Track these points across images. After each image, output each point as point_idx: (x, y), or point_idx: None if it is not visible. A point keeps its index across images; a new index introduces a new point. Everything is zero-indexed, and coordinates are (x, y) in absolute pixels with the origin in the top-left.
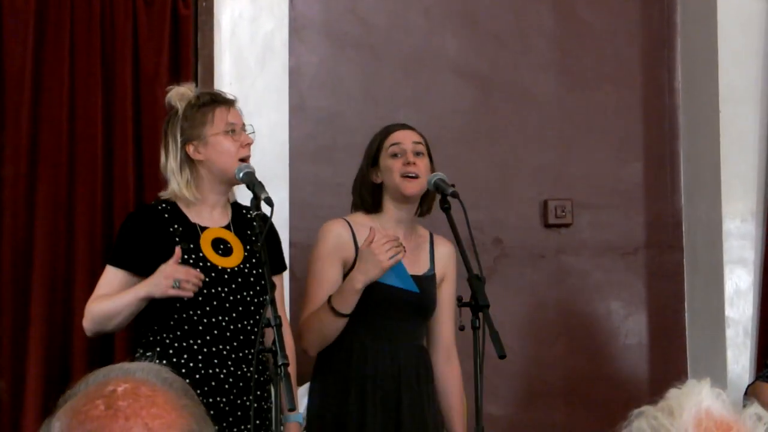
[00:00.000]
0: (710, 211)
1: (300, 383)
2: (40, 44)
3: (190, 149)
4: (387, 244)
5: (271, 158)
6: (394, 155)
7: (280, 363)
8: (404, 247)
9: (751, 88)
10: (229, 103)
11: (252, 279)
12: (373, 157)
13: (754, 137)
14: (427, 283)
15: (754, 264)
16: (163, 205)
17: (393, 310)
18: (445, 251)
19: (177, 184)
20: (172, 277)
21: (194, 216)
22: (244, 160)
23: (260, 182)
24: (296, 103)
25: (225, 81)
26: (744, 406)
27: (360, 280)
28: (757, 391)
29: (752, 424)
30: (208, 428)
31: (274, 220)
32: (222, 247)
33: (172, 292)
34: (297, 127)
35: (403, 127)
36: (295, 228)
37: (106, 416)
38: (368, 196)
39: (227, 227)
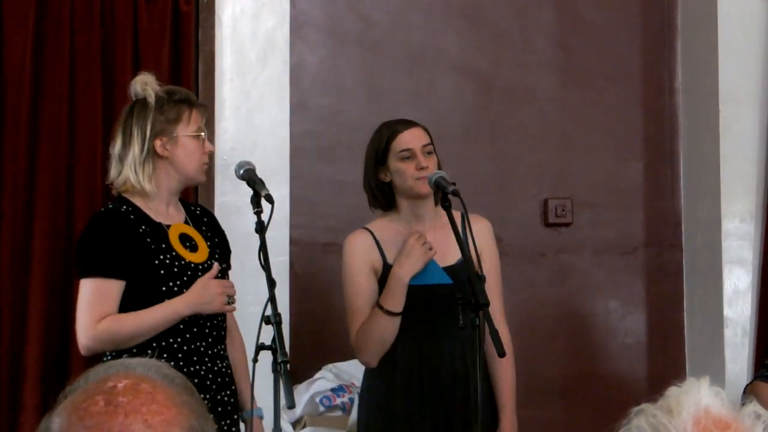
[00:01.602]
0: (710, 211)
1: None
2: (40, 40)
3: (158, 144)
4: (421, 238)
5: (271, 155)
6: (405, 158)
7: (279, 360)
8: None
9: (751, 88)
10: (201, 107)
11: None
12: (380, 157)
13: (753, 137)
14: (461, 270)
15: (753, 264)
16: (125, 207)
17: (429, 309)
18: (480, 228)
19: (136, 175)
20: (226, 294)
21: (154, 214)
22: (204, 165)
23: (260, 179)
24: (297, 101)
25: (226, 78)
26: (743, 404)
27: (404, 273)
28: (756, 391)
29: (751, 422)
30: (209, 425)
31: (274, 217)
32: (188, 243)
33: (228, 309)
34: (298, 125)
35: (409, 125)
36: (295, 225)
37: (106, 412)
38: (380, 195)
39: (186, 223)
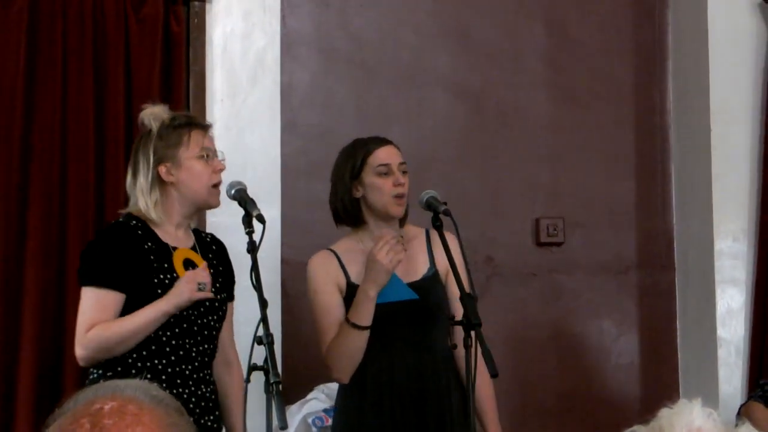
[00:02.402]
0: (702, 230)
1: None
2: (32, 61)
3: (163, 170)
4: (385, 246)
5: (262, 175)
6: (382, 174)
7: (272, 381)
8: (403, 244)
9: (743, 107)
10: (206, 128)
11: (216, 303)
12: (355, 172)
13: (745, 156)
14: (429, 284)
15: (746, 283)
16: (134, 222)
17: (394, 326)
18: (452, 242)
19: (145, 203)
20: (195, 281)
21: (163, 235)
22: (216, 186)
23: (252, 199)
24: (288, 120)
25: (217, 97)
26: (736, 425)
27: (371, 287)
28: (750, 411)
29: None
30: None
31: (265, 237)
32: (191, 268)
33: (199, 295)
34: (289, 144)
35: (384, 142)
36: (287, 245)
37: None
38: (351, 210)
39: (193, 249)
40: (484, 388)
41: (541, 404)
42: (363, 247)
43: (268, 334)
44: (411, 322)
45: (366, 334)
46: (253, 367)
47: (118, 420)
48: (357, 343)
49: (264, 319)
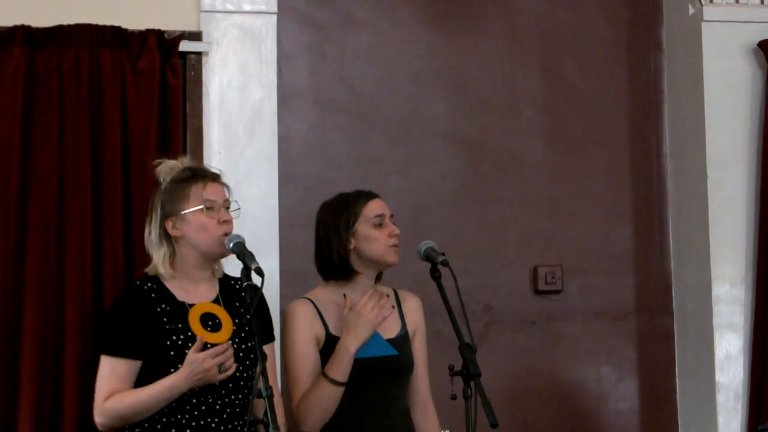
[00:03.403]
0: (700, 275)
1: None
2: (29, 114)
3: (169, 225)
4: (370, 302)
5: (261, 226)
6: (377, 225)
7: None
8: (390, 302)
9: (739, 152)
10: (207, 179)
11: (241, 354)
12: (350, 225)
13: (742, 201)
14: (402, 343)
15: (744, 328)
16: (149, 284)
17: (375, 381)
18: (413, 306)
19: (156, 258)
20: (215, 363)
21: (180, 293)
22: (227, 235)
23: (250, 252)
24: (286, 171)
25: (214, 150)
26: None
27: (352, 343)
28: None
29: None
30: None
31: (264, 287)
32: (211, 322)
33: (222, 377)
34: (286, 195)
35: (373, 195)
36: (285, 296)
37: None
38: (345, 263)
39: (216, 301)
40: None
41: None
42: (337, 298)
43: (268, 387)
44: (388, 378)
45: (341, 389)
46: (253, 421)
47: None
48: (332, 398)
49: (263, 372)
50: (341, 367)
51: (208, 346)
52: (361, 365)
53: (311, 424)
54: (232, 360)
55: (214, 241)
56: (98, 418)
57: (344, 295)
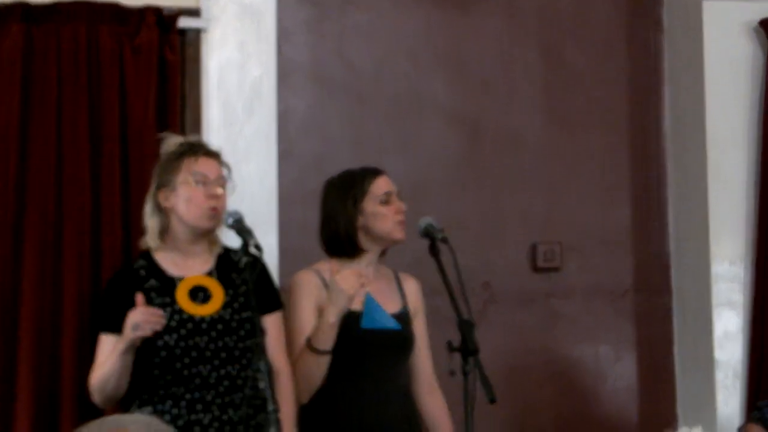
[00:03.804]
0: (699, 254)
1: None
2: (27, 90)
3: (161, 196)
4: (350, 274)
5: (259, 203)
6: (384, 202)
7: (270, 409)
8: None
9: (739, 132)
10: (200, 153)
11: (234, 324)
12: (357, 202)
13: (741, 181)
14: (404, 319)
15: (743, 306)
16: (141, 262)
17: (379, 354)
18: (413, 287)
19: (148, 228)
20: (132, 322)
21: (171, 267)
22: (214, 210)
23: (249, 229)
24: (284, 148)
25: (213, 127)
26: None
27: (332, 312)
28: None
29: None
30: None
31: None
32: (201, 294)
33: (132, 335)
34: (285, 172)
35: (380, 172)
36: (284, 273)
37: None
38: (352, 240)
39: (210, 273)
40: (436, 406)
41: (539, 429)
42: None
43: (266, 362)
44: (391, 351)
45: (326, 359)
46: (252, 396)
47: None
48: (314, 367)
49: (262, 348)
50: (321, 337)
51: (205, 320)
52: (367, 336)
53: (299, 391)
54: (153, 324)
55: (201, 215)
56: (92, 397)
57: (332, 270)
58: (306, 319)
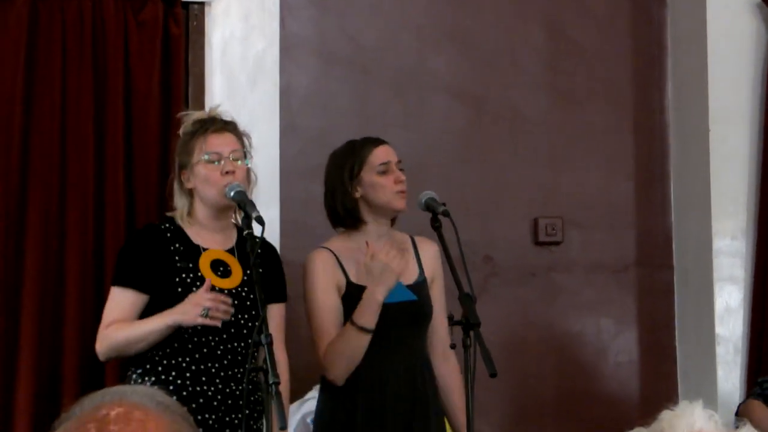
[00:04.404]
0: (700, 228)
1: (291, 399)
2: (31, 64)
3: (184, 177)
4: (392, 251)
5: (262, 177)
6: (383, 173)
7: (271, 382)
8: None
9: (741, 106)
10: (209, 131)
11: (248, 302)
12: (354, 173)
13: (743, 155)
14: (421, 289)
15: (745, 281)
16: (167, 225)
17: (397, 327)
18: (430, 252)
19: (178, 209)
20: (201, 305)
21: (196, 237)
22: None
23: (251, 201)
24: (287, 122)
25: (216, 100)
26: (736, 427)
27: (380, 291)
28: (749, 410)
29: None
30: None
31: (264, 237)
32: (222, 269)
33: (201, 321)
34: (288, 146)
35: (380, 141)
36: (286, 247)
37: None
38: (350, 212)
39: (231, 251)
40: (451, 379)
41: (539, 403)
42: (357, 247)
43: (267, 335)
44: (409, 323)
45: (369, 336)
46: (252, 369)
47: (124, 426)
48: (359, 345)
49: (264, 320)
50: (369, 316)
51: (216, 290)
52: (384, 310)
53: (339, 372)
54: (222, 313)
55: (219, 193)
56: (98, 346)
57: (366, 243)
58: (325, 299)
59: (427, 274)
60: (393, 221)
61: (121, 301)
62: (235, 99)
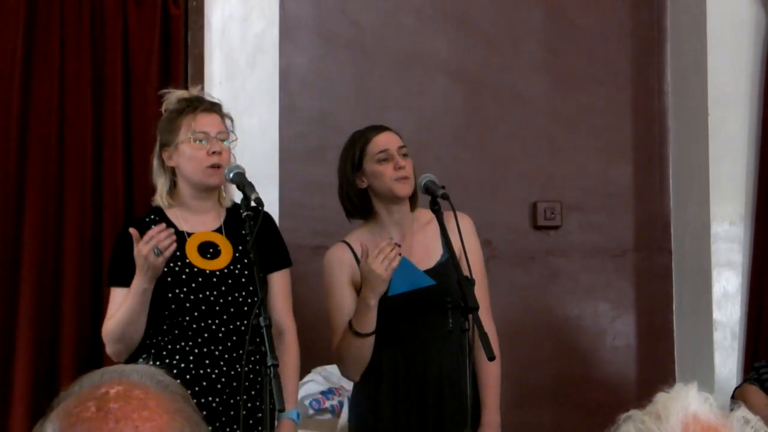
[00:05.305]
0: (699, 213)
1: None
2: (30, 44)
3: (165, 155)
4: (380, 255)
5: (261, 158)
6: (382, 161)
7: (269, 364)
8: (398, 246)
9: (740, 91)
10: (198, 110)
11: (243, 280)
12: (356, 164)
13: (742, 140)
14: (442, 271)
15: (742, 267)
16: (152, 217)
17: (414, 314)
18: (460, 225)
19: (158, 189)
20: (145, 255)
21: (181, 223)
22: (215, 167)
23: (250, 183)
24: (286, 103)
25: (215, 81)
26: (731, 410)
27: (370, 296)
28: (745, 394)
29: (739, 427)
30: None
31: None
32: (211, 250)
33: (162, 261)
34: (287, 127)
35: (382, 129)
36: (285, 228)
37: (97, 418)
38: (358, 203)
39: (218, 230)
40: (488, 369)
41: (537, 386)
42: (377, 237)
43: (266, 318)
44: (428, 309)
45: (371, 339)
46: (251, 351)
47: (124, 404)
48: (360, 348)
49: (263, 302)
50: (364, 321)
51: (215, 274)
52: (397, 301)
53: (347, 372)
54: (167, 238)
55: (203, 172)
56: (106, 348)
57: (361, 244)
58: (340, 297)
59: (455, 248)
60: (413, 204)
61: (115, 299)
62: (235, 80)
